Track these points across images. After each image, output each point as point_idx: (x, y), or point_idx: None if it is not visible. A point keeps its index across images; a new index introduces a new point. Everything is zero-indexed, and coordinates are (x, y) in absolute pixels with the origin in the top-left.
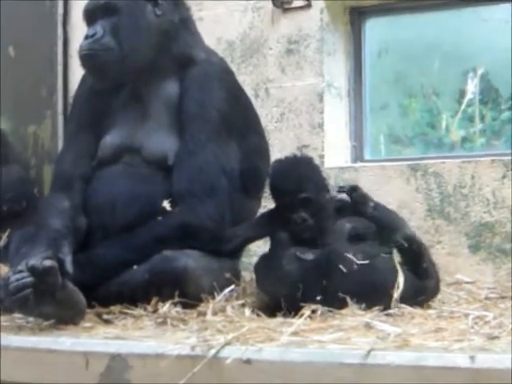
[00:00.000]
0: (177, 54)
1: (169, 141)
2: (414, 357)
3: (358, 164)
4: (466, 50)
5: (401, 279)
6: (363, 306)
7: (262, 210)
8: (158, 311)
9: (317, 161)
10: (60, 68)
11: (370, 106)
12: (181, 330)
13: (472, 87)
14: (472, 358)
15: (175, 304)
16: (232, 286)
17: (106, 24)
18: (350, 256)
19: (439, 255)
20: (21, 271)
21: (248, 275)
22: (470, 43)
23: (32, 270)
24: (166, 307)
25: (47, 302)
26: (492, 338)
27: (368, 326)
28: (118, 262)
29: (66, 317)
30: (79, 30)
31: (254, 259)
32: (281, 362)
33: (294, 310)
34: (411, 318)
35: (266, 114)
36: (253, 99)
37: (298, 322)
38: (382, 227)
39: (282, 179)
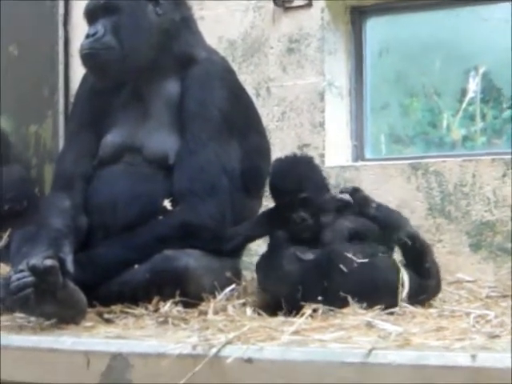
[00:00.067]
0: (178, 53)
1: (170, 140)
2: (416, 356)
3: (359, 163)
4: (467, 49)
5: (406, 278)
6: (364, 305)
7: (262, 209)
8: (159, 310)
9: (317, 160)
10: (61, 67)
11: (371, 105)
12: (182, 330)
13: (473, 86)
14: (473, 356)
15: (176, 303)
16: (233, 285)
17: (107, 23)
18: (349, 255)
19: (440, 254)
20: (22, 271)
21: (249, 274)
22: (471, 42)
23: (33, 270)
24: (167, 306)
25: (48, 302)
26: (493, 336)
27: (369, 325)
28: (118, 262)
29: (67, 316)
30: (80, 29)
31: (255, 258)
32: (282, 361)
33: (295, 309)
34: (412, 317)
35: (267, 112)
36: (254, 98)
37: (299, 321)
38: (385, 226)
39: (282, 179)
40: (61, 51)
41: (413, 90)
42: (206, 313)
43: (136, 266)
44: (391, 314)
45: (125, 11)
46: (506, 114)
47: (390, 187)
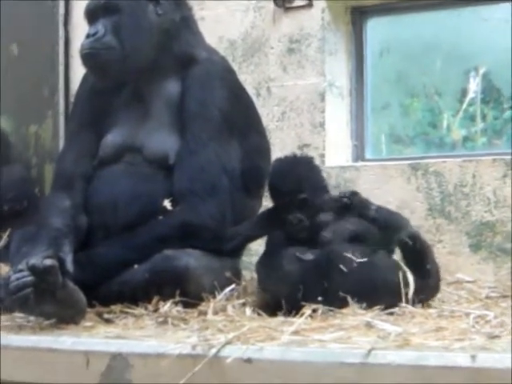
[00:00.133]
0: (178, 53)
1: (170, 140)
2: (415, 356)
3: (359, 163)
4: (467, 50)
5: (411, 278)
6: (364, 305)
7: (262, 209)
8: (158, 310)
9: (318, 160)
10: (61, 68)
11: (372, 106)
12: (182, 330)
13: (474, 86)
14: (473, 357)
15: (176, 303)
16: (233, 285)
17: (108, 23)
18: (349, 255)
19: (440, 254)
20: (21, 270)
21: (249, 274)
22: (471, 43)
23: (32, 269)
24: (166, 306)
25: (48, 301)
26: (493, 337)
27: (369, 326)
28: (118, 261)
29: (66, 316)
30: (80, 29)
31: (255, 258)
32: (281, 361)
33: (294, 309)
34: (412, 318)
35: (268, 113)
36: (254, 98)
37: (298, 322)
38: (385, 228)
39: (281, 179)
40: (61, 51)
41: (413, 90)
42: (205, 313)
43: (136, 266)
44: (391, 314)
45: (125, 11)
46: (507, 114)
47: (390, 187)
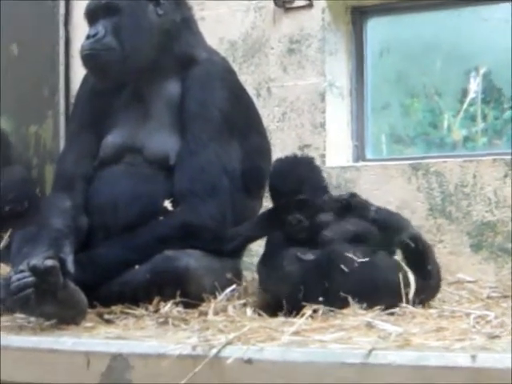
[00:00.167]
0: (178, 54)
1: (170, 140)
2: (416, 356)
3: (360, 163)
4: (468, 50)
5: (412, 279)
6: (364, 305)
7: (263, 210)
8: (159, 311)
9: (318, 160)
10: (62, 68)
11: (372, 106)
12: (182, 330)
13: (474, 86)
14: (473, 357)
15: (177, 304)
16: (233, 286)
17: (108, 24)
18: (350, 255)
19: (441, 254)
20: (22, 271)
21: (249, 275)
22: (472, 43)
23: (33, 270)
24: (167, 307)
25: (48, 302)
26: (493, 337)
27: (369, 326)
28: (119, 262)
29: (67, 316)
30: (81, 29)
31: (256, 259)
32: (282, 361)
33: (295, 309)
34: (412, 318)
35: (268, 113)
36: (254, 99)
37: (299, 322)
38: (386, 229)
39: (281, 180)
40: (61, 51)
41: (413, 90)
42: (206, 313)
43: (136, 267)
44: (391, 314)
45: (125, 12)
46: (507, 114)
47: (390, 188)
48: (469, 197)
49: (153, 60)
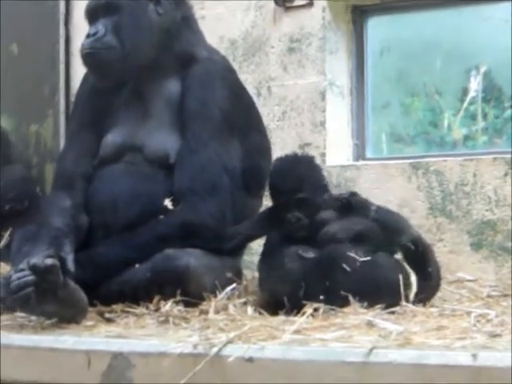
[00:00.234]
0: (179, 53)
1: (170, 139)
2: (416, 355)
3: (360, 162)
4: (468, 49)
5: (414, 280)
6: (365, 304)
7: (263, 209)
8: (159, 310)
9: (318, 159)
10: (62, 67)
11: (372, 105)
12: (183, 329)
13: (474, 85)
14: (474, 356)
15: (177, 302)
16: (234, 285)
17: (108, 22)
18: (351, 254)
19: (441, 253)
20: (22, 270)
21: (249, 273)
22: (472, 42)
23: (33, 269)
24: (167, 306)
25: (49, 301)
26: (494, 336)
27: (370, 324)
28: (119, 261)
29: (67, 315)
30: (81, 28)
31: (256, 257)
32: (283, 360)
33: (296, 308)
34: (413, 316)
35: (268, 112)
36: (255, 97)
37: (300, 321)
38: (385, 229)
39: (281, 178)
40: (62, 50)
41: (414, 89)
42: (206, 312)
43: (137, 266)
44: (392, 313)
45: (126, 11)
46: (507, 113)
47: (390, 186)
48: (469, 196)
49: (153, 59)
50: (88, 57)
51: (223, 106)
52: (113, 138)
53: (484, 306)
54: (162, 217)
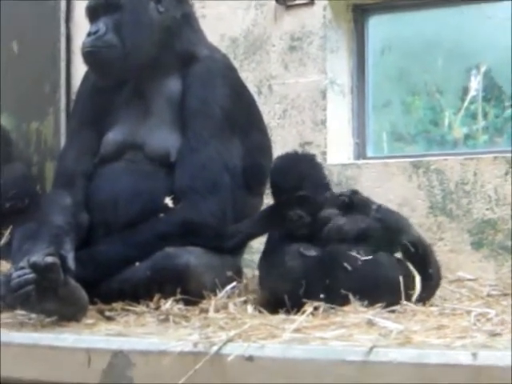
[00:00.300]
0: (179, 51)
1: (171, 138)
2: (416, 354)
3: (361, 161)
4: (469, 48)
5: (418, 280)
6: (365, 302)
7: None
8: (160, 308)
9: (319, 158)
10: (63, 65)
11: (373, 103)
12: (183, 327)
13: (475, 84)
14: (474, 355)
15: (177, 301)
16: (234, 283)
17: (109, 21)
18: (353, 253)
19: (441, 252)
20: (23, 268)
21: (250, 272)
22: (473, 40)
23: (34, 267)
24: (168, 304)
25: (49, 299)
26: (494, 335)
27: (370, 323)
28: (119, 259)
29: (68, 313)
30: (82, 26)
31: (256, 256)
32: (283, 358)
33: (296, 306)
34: (413, 315)
35: (269, 110)
36: (256, 96)
37: (300, 319)
38: (386, 228)
39: (282, 176)
40: (62, 48)
41: (415, 88)
42: (206, 310)
43: (137, 264)
44: (392, 312)
45: (126, 9)
46: (508, 112)
47: (391, 185)
48: (469, 195)
49: (154, 57)
50: (89, 55)
51: (224, 104)
52: (113, 136)
53: (484, 305)
54: (162, 215)
